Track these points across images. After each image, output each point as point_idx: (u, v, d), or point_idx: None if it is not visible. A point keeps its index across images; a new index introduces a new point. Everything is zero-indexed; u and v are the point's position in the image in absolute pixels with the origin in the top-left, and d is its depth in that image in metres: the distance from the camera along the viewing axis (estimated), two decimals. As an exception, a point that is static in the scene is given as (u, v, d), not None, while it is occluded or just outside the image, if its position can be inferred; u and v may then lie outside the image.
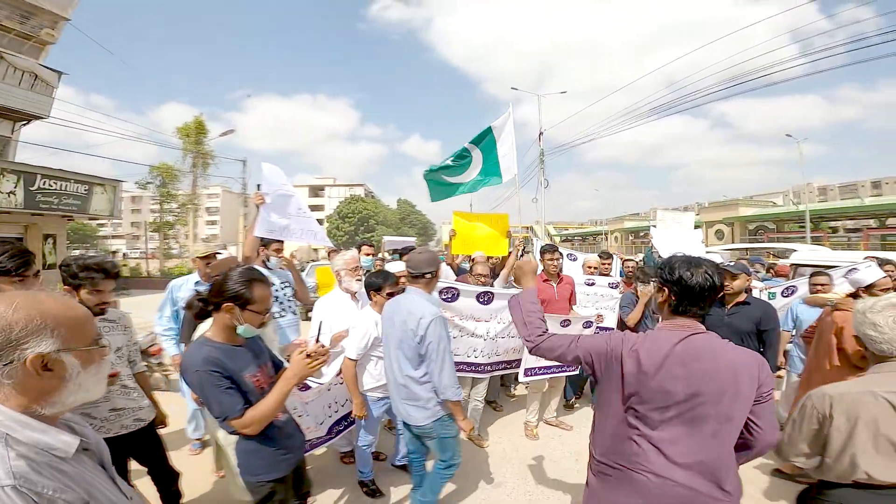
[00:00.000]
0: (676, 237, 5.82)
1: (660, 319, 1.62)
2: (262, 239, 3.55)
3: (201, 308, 1.77)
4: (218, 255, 3.76)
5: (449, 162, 5.59)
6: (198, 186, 24.91)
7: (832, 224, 31.80)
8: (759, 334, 3.45)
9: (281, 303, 3.60)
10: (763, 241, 27.19)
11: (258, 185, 3.53)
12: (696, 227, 6.47)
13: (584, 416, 4.68)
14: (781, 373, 4.20)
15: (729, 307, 3.35)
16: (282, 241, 3.66)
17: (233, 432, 1.73)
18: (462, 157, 5.55)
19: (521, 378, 4.00)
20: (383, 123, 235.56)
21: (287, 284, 3.71)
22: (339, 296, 3.43)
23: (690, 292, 1.48)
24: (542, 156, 23.01)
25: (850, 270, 4.45)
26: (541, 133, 23.50)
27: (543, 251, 4.24)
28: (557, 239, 47.97)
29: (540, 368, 4.01)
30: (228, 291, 1.70)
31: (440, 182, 5.68)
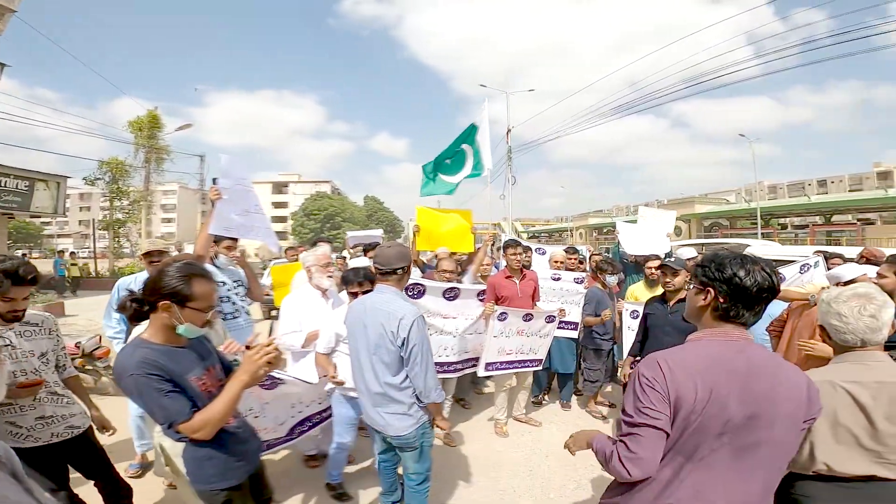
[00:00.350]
0: (644, 233, 5.85)
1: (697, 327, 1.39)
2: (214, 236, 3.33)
3: (136, 309, 1.60)
4: (167, 253, 3.50)
5: (447, 162, 5.73)
6: (151, 182, 23.65)
7: (781, 221, 33.47)
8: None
9: (234, 303, 3.41)
10: (717, 237, 28.38)
11: (213, 179, 3.29)
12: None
13: (552, 413, 4.71)
14: None
15: (671, 304, 3.25)
16: (235, 239, 3.45)
17: (180, 439, 1.59)
18: (459, 156, 5.66)
19: (480, 372, 3.97)
20: (351, 120, 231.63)
21: (239, 283, 3.52)
22: (308, 293, 3.30)
23: (745, 294, 1.26)
24: (509, 153, 23.22)
25: (802, 266, 4.64)
26: (508, 130, 23.72)
27: (506, 246, 4.24)
28: (524, 235, 48.59)
29: (501, 363, 4.00)
30: (164, 288, 1.54)
31: (438, 181, 5.79)
